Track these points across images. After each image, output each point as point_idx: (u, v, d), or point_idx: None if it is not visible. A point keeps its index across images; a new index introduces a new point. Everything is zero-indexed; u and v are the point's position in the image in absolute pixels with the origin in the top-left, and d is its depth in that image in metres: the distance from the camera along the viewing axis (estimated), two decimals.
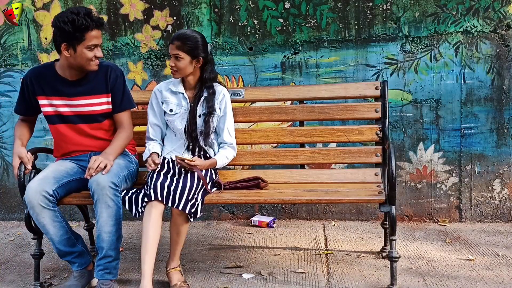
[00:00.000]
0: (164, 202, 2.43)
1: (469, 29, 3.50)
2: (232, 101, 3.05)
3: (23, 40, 3.84)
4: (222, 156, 2.70)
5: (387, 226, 2.73)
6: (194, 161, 2.54)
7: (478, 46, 3.51)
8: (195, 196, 2.49)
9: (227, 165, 2.80)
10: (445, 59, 3.54)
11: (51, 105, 2.63)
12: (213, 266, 2.88)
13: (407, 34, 3.54)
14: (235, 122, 3.08)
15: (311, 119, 2.99)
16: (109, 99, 2.67)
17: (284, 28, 3.61)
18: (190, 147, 2.71)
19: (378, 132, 2.88)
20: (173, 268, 2.56)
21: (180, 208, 2.41)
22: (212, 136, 2.74)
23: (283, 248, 3.15)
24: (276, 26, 3.62)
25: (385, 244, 2.99)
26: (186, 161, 2.52)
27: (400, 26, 3.54)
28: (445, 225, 3.58)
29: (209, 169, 2.68)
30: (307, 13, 3.58)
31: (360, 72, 3.60)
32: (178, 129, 2.71)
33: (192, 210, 2.46)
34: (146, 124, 3.14)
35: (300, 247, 3.18)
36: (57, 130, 2.67)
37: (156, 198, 2.43)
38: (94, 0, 3.72)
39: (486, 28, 3.49)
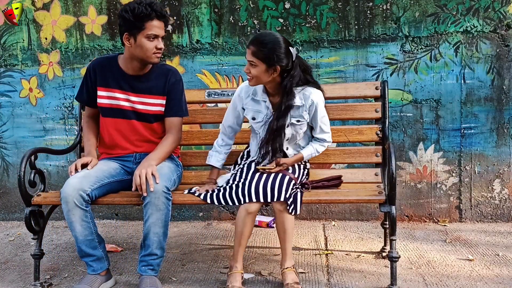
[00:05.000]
0: (262, 200, 2.41)
1: (469, 29, 3.50)
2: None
3: (23, 40, 3.84)
4: (311, 149, 2.63)
5: (387, 226, 2.73)
6: (272, 168, 2.50)
7: (478, 46, 3.51)
8: (292, 190, 2.44)
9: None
10: (445, 59, 3.54)
11: (113, 97, 2.64)
12: (213, 266, 2.88)
13: (407, 34, 3.54)
14: None
15: None
16: (164, 102, 2.66)
17: (284, 28, 3.61)
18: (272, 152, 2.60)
19: (378, 132, 2.88)
20: (286, 268, 2.52)
21: (275, 199, 2.39)
22: (299, 138, 2.65)
23: None
24: (276, 26, 3.62)
25: (385, 244, 3.00)
26: (266, 170, 2.50)
27: (400, 26, 3.54)
28: (445, 225, 3.58)
29: (300, 169, 2.63)
30: (307, 13, 3.58)
31: (360, 72, 3.60)
32: (261, 135, 2.62)
33: (290, 200, 2.42)
34: None
35: (300, 247, 3.18)
36: (112, 123, 2.67)
37: (250, 200, 2.42)
38: (94, 0, 3.72)
39: (486, 28, 3.49)
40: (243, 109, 2.67)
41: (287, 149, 2.63)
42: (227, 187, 2.55)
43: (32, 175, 2.61)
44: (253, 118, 2.63)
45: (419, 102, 3.58)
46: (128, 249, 3.24)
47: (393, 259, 2.44)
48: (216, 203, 2.52)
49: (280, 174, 2.48)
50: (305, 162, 2.73)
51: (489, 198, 3.60)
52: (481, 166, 3.59)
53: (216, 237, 3.43)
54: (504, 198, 3.59)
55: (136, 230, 3.64)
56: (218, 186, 2.64)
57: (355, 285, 2.56)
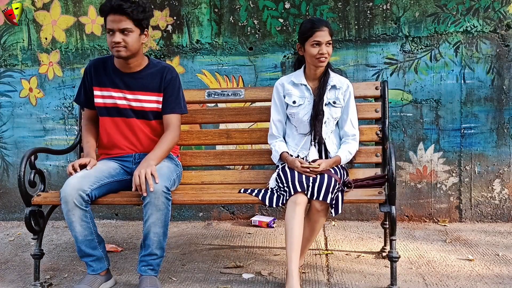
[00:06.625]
0: (308, 196, 2.42)
1: (469, 29, 3.50)
2: (232, 101, 3.06)
3: (23, 40, 3.84)
4: (345, 152, 2.67)
5: (387, 226, 2.73)
6: (317, 167, 2.50)
7: (478, 46, 3.51)
8: (335, 190, 2.45)
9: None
10: (445, 59, 3.54)
11: (109, 96, 2.65)
12: (213, 266, 2.88)
13: (407, 34, 3.54)
14: (235, 122, 3.09)
15: None
16: (160, 98, 2.67)
17: (284, 28, 3.61)
18: (313, 141, 2.68)
19: (378, 132, 2.88)
20: None
21: (321, 198, 2.39)
22: (333, 128, 2.73)
23: (283, 248, 3.15)
24: (276, 26, 3.62)
25: (385, 244, 3.00)
26: (310, 169, 2.50)
27: (400, 26, 3.54)
28: (445, 225, 3.58)
29: (340, 169, 2.63)
30: (307, 13, 3.58)
31: (360, 72, 3.60)
32: (302, 121, 2.69)
33: (333, 203, 2.43)
34: None
35: None
36: (110, 122, 2.67)
37: (301, 191, 2.42)
38: (94, 0, 3.72)
39: (486, 28, 3.49)
40: (284, 96, 2.74)
41: (327, 138, 2.67)
42: (277, 189, 2.57)
43: (32, 175, 2.60)
44: (294, 102, 2.71)
45: (419, 102, 3.58)
46: (128, 249, 3.24)
47: (393, 259, 2.44)
48: (274, 205, 2.52)
49: (327, 175, 2.47)
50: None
51: (489, 198, 3.60)
52: (481, 166, 3.59)
53: (216, 237, 3.43)
54: (504, 198, 3.59)
55: (136, 230, 3.64)
56: (270, 188, 2.64)
57: (355, 285, 2.56)
